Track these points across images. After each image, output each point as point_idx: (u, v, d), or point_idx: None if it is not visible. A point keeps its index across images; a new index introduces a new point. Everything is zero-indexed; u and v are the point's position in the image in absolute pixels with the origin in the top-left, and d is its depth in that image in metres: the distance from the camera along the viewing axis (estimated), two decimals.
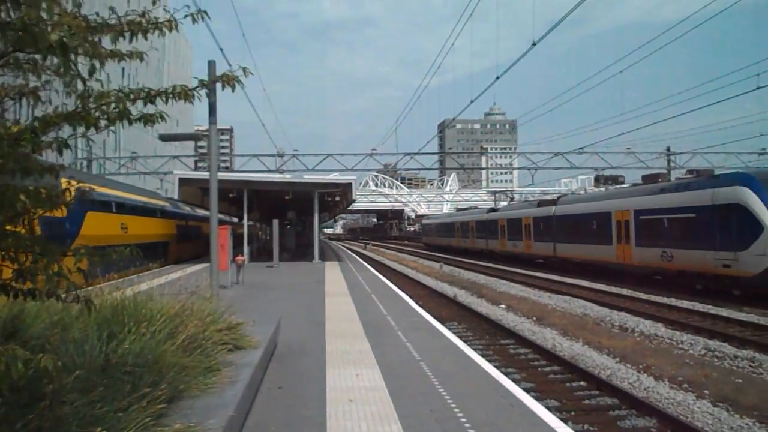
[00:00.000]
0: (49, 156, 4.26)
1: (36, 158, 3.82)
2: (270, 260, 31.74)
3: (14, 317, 6.29)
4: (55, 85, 3.79)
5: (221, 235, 18.05)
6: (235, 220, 52.65)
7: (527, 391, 8.67)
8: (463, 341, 11.49)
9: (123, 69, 63.19)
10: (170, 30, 3.83)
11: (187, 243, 40.93)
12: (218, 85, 4.21)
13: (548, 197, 46.34)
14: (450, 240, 63.85)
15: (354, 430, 5.91)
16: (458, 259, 48.79)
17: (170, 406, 4.88)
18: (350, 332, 11.57)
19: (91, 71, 2.87)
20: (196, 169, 72.65)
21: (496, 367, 9.86)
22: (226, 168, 76.82)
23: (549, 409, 7.58)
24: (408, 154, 52.06)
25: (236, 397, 5.46)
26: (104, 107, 3.35)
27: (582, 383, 11.07)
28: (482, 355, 10.58)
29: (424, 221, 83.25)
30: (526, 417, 6.51)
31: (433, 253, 61.21)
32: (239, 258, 22.26)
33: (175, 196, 35.12)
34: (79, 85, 3.13)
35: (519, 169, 67.63)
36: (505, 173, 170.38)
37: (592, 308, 20.40)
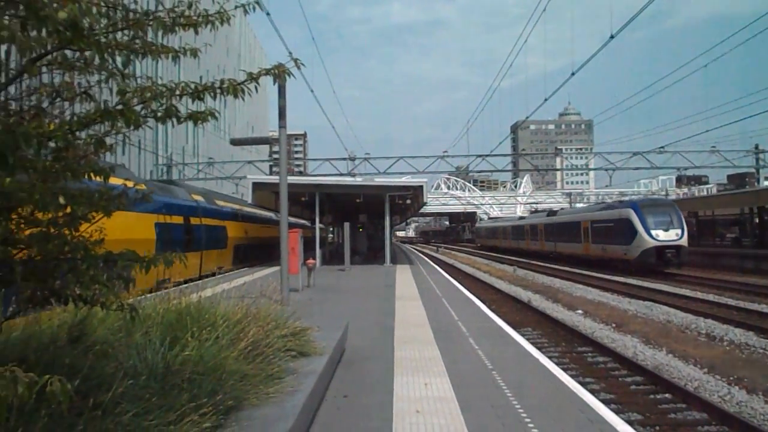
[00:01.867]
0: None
1: (93, 160, 3.70)
2: (341, 263, 31.80)
3: (81, 321, 6.30)
4: (109, 85, 3.67)
5: (291, 239, 18.11)
6: (308, 223, 53.22)
7: (606, 403, 8.17)
8: (538, 348, 11.01)
9: (201, 78, 65.04)
10: (222, 23, 3.64)
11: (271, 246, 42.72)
12: (286, 89, 4.00)
13: (556, 207, 68.04)
14: (495, 241, 79.11)
15: None
16: (533, 262, 47.71)
17: (227, 416, 4.70)
18: (420, 338, 11.25)
19: (125, 64, 2.69)
20: (271, 173, 74.11)
21: (573, 376, 9.37)
22: (300, 172, 77.89)
23: (631, 423, 7.10)
24: (480, 155, 51.42)
25: (297, 408, 5.23)
26: (147, 103, 3.19)
27: (667, 395, 10.40)
28: (558, 364, 10.07)
29: (477, 226, 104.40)
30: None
31: (504, 257, 60.21)
32: (310, 261, 22.29)
33: (249, 200, 35.70)
34: (123, 81, 2.96)
35: (595, 170, 65.83)
36: (581, 174, 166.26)
37: (675, 315, 19.32)
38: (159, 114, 3.27)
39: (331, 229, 58.57)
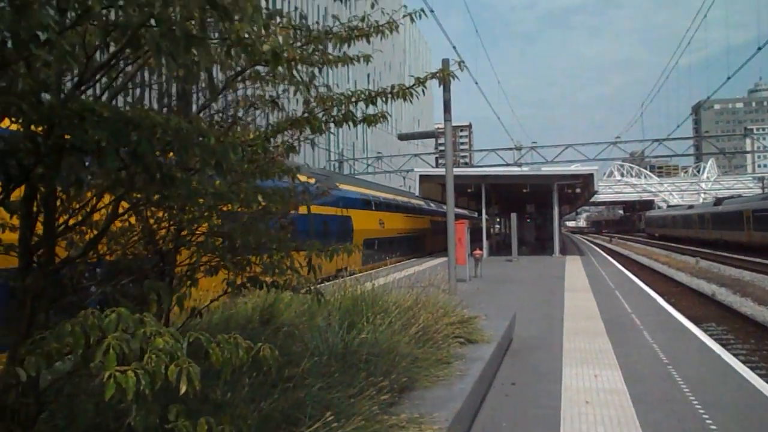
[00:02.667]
0: (307, 159, 4.65)
1: (281, 161, 4.20)
2: (509, 254, 31.59)
3: (270, 306, 7.04)
4: (290, 95, 4.13)
5: (458, 230, 18.38)
6: (474, 214, 53.32)
7: None
8: (721, 345, 10.34)
9: (368, 75, 67.26)
10: (391, 32, 3.95)
11: (439, 236, 42.56)
12: (452, 83, 4.27)
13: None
14: (665, 230, 79.98)
15: None
16: (718, 253, 44.12)
17: (401, 395, 5.05)
18: (590, 330, 11.02)
19: (311, 78, 3.07)
20: (437, 166, 75.05)
21: (761, 374, 8.71)
22: (465, 163, 78.18)
23: None
24: (656, 140, 48.53)
25: (465, 390, 5.47)
26: (328, 110, 3.57)
27: None
28: (744, 362, 9.41)
29: (648, 215, 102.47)
30: None
31: (687, 247, 56.19)
32: (477, 252, 22.44)
33: (416, 193, 36.51)
34: (312, 92, 3.36)
35: None
36: None
37: None
38: (337, 119, 3.66)
39: (498, 219, 58.24)
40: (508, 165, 48.85)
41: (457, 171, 26.21)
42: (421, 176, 34.59)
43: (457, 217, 23.62)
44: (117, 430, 2.56)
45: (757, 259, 36.93)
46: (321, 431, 3.39)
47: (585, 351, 9.22)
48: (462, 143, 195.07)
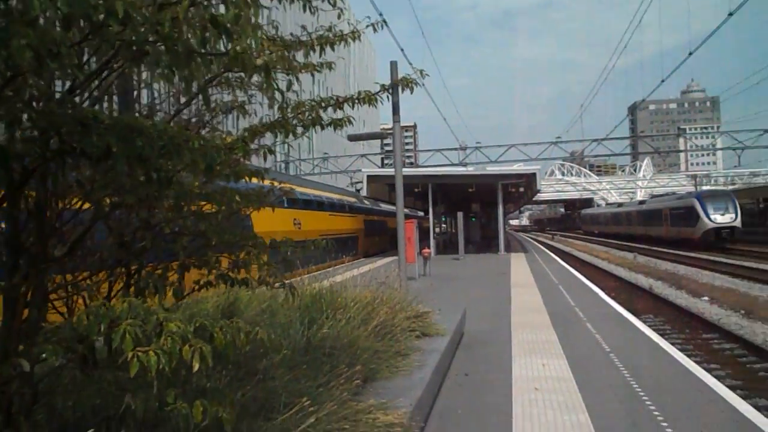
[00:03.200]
0: (254, 160, 4.83)
1: (245, 164, 4.39)
2: (455, 253, 32.18)
3: (231, 304, 7.18)
4: (258, 99, 4.33)
5: (407, 229, 18.73)
6: (421, 213, 53.93)
7: (733, 389, 8.08)
8: (659, 334, 10.96)
9: (313, 75, 67.13)
10: (354, 40, 4.19)
11: (374, 237, 41.56)
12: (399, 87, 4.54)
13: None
14: (597, 227, 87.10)
15: (540, 418, 5.97)
16: (655, 249, 46.04)
17: (364, 385, 5.30)
18: (536, 323, 11.50)
19: (289, 86, 3.28)
20: (383, 166, 75.48)
21: (696, 362, 9.29)
22: (411, 164, 78.84)
23: (758, 408, 7.04)
24: (595, 140, 50.12)
25: (424, 380, 5.77)
26: (300, 116, 3.80)
27: None
28: (681, 350, 10.01)
29: (582, 213, 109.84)
30: (728, 413, 6.13)
31: (624, 243, 58.34)
32: (425, 251, 22.88)
33: (364, 193, 36.76)
34: (277, 96, 3.56)
35: (722, 149, 62.37)
36: (708, 155, 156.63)
37: None
38: (306, 123, 3.88)
39: (444, 218, 59.03)
40: (453, 165, 49.58)
41: (405, 171, 26.50)
42: (368, 176, 34.87)
43: (406, 217, 24.00)
44: (117, 415, 2.72)
45: (692, 254, 38.73)
46: (298, 416, 3.61)
47: (532, 342, 9.66)
48: (407, 143, 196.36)
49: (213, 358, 2.16)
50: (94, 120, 2.22)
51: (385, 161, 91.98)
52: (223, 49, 2.41)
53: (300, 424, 3.52)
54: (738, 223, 44.66)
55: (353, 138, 17.44)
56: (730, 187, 76.71)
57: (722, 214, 44.58)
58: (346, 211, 35.35)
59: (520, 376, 7.58)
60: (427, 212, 37.86)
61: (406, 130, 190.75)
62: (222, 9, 2.41)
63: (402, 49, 17.29)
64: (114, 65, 2.85)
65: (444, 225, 62.30)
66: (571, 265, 26.93)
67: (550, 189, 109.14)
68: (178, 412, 2.35)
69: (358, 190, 44.55)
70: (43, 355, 2.27)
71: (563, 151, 56.14)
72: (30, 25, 1.89)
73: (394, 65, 15.35)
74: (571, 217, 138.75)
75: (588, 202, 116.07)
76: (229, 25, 2.20)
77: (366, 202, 41.30)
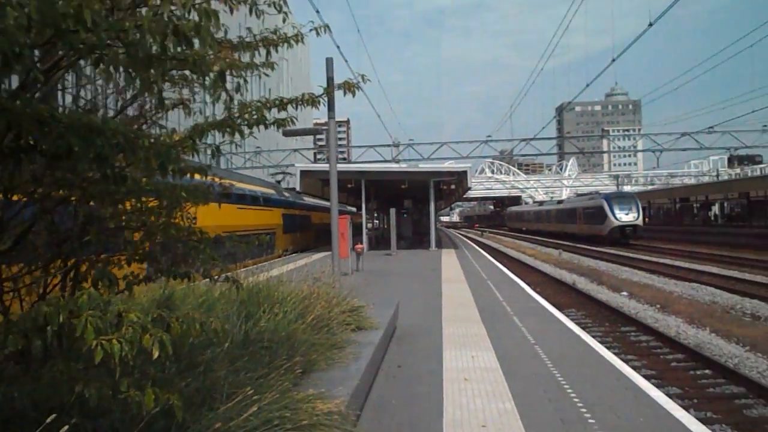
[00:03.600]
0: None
1: (188, 161, 4.47)
2: (388, 249, 32.55)
3: (167, 299, 7.17)
4: (200, 97, 4.42)
5: (341, 225, 18.90)
6: (354, 209, 54.08)
7: (647, 378, 8.58)
8: (581, 327, 11.50)
9: (259, 77, 66.13)
10: (297, 43, 4.34)
11: (295, 233, 38.24)
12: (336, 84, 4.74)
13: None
14: (521, 224, 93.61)
15: (469, 406, 6.28)
16: (579, 246, 47.90)
17: (303, 376, 5.46)
18: (466, 317, 11.90)
19: (237, 88, 3.41)
20: (315, 161, 75.18)
21: (615, 353, 9.81)
22: (344, 159, 78.93)
23: (669, 396, 7.53)
24: (524, 139, 51.45)
25: (360, 371, 5.99)
26: (246, 116, 3.92)
27: (707, 371, 10.77)
28: (601, 342, 10.57)
29: (507, 211, 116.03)
30: (642, 400, 6.57)
31: (550, 240, 60.40)
32: (359, 246, 23.11)
33: (298, 188, 36.55)
34: (223, 96, 3.68)
35: (643, 151, 65.34)
36: (629, 156, 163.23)
37: (721, 296, 19.45)
38: (251, 122, 4.01)
39: (376, 215, 59.41)
40: (386, 161, 49.96)
41: (339, 167, 26.60)
42: (302, 171, 34.75)
43: (340, 212, 24.11)
44: (71, 404, 2.78)
45: (612, 251, 40.48)
46: (240, 405, 3.74)
47: (462, 335, 10.02)
48: (341, 139, 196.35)
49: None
50: (52, 119, 2.30)
51: (318, 156, 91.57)
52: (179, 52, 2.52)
53: (243, 412, 3.66)
54: (640, 222, 50.88)
55: (288, 133, 17.41)
56: (649, 187, 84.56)
57: (626, 214, 50.29)
58: (260, 204, 31.69)
59: (450, 368, 7.89)
60: (359, 208, 38.07)
61: (340, 125, 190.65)
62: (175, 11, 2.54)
63: (338, 46, 17.46)
64: (63, 63, 2.91)
65: (376, 221, 62.75)
66: (499, 261, 27.74)
67: (481, 186, 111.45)
68: (131, 399, 2.46)
69: (278, 182, 42.32)
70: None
71: (493, 149, 57.42)
72: (1, 32, 1.96)
73: (329, 62, 15.52)
74: (500, 215, 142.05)
75: (516, 200, 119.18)
76: (190, 34, 2.34)
77: (286, 194, 37.98)
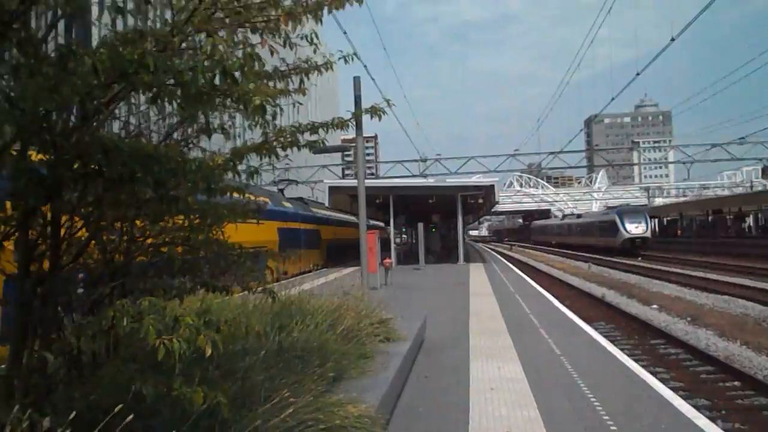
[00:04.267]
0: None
1: (228, 180, 4.82)
2: (416, 263, 32.72)
3: (205, 311, 7.53)
4: (238, 122, 4.77)
5: (369, 240, 19.21)
6: (382, 224, 54.37)
7: (675, 390, 8.59)
8: (609, 340, 11.56)
9: (294, 105, 67.16)
10: (327, 70, 4.66)
11: (298, 251, 31.15)
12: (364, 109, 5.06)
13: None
14: (545, 237, 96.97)
15: (494, 414, 6.48)
16: (608, 259, 47.44)
17: (334, 383, 5.74)
18: (493, 329, 12.06)
19: (274, 116, 3.73)
20: (344, 176, 75.77)
21: (643, 366, 9.86)
22: (372, 174, 79.38)
23: (697, 408, 7.56)
24: (552, 153, 51.42)
25: (388, 379, 6.25)
26: (281, 139, 4.25)
27: (736, 383, 10.76)
28: (629, 355, 10.61)
29: (532, 225, 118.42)
30: (667, 410, 6.68)
31: (579, 254, 59.97)
32: (387, 261, 23.37)
33: (326, 204, 36.86)
34: (260, 122, 4.01)
35: (672, 163, 64.92)
36: (660, 168, 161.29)
37: (753, 308, 19.23)
38: (285, 144, 4.33)
39: (404, 229, 59.62)
40: (413, 176, 50.28)
41: (367, 183, 26.92)
42: (330, 187, 35.20)
43: (368, 227, 24.43)
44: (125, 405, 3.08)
45: (643, 264, 40.10)
46: (278, 407, 4.03)
47: (489, 347, 10.20)
48: (369, 154, 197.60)
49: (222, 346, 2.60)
50: (116, 147, 2.63)
51: (346, 171, 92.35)
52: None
53: (280, 413, 3.95)
54: (648, 234, 55.79)
55: (318, 151, 17.81)
56: (681, 199, 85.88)
57: (636, 227, 54.44)
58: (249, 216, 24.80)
59: (476, 378, 8.09)
60: (387, 223, 38.33)
61: (367, 141, 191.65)
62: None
63: (365, 66, 17.81)
64: (120, 95, 3.26)
65: (404, 235, 62.98)
66: (527, 275, 27.72)
67: (509, 200, 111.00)
68: (183, 396, 2.76)
69: (280, 190, 36.86)
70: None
71: (521, 163, 57.53)
72: (79, 77, 2.30)
73: (357, 81, 15.91)
74: (529, 228, 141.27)
75: (545, 213, 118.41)
76: (236, 74, 2.66)
77: (286, 204, 31.78)
